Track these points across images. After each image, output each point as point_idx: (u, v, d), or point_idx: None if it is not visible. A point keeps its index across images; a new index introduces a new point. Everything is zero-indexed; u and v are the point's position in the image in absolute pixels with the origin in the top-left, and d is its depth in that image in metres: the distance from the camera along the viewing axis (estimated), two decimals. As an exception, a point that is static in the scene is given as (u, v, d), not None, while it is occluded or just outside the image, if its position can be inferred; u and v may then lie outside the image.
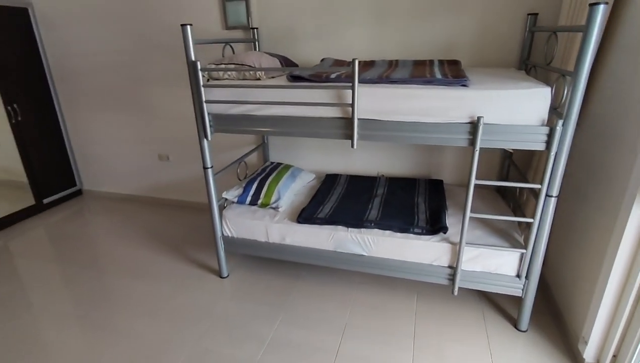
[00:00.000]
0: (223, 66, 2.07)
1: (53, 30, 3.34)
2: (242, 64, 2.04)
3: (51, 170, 3.63)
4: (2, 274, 2.61)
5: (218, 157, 3.14)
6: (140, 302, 2.28)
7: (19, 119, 3.30)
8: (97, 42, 3.24)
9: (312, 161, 2.98)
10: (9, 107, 3.21)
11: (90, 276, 2.56)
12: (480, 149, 1.66)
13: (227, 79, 2.08)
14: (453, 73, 1.79)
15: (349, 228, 2.10)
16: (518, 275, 1.87)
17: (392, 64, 2.22)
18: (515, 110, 1.57)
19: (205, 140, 2.13)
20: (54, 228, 3.26)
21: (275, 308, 2.17)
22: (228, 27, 2.79)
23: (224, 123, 2.08)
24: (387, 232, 2.05)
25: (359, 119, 1.79)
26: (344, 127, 1.84)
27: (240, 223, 2.32)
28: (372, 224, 2.08)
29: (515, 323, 2.00)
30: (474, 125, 1.64)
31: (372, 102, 1.75)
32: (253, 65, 2.03)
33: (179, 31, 2.93)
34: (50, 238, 3.11)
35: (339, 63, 2.32)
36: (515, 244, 1.89)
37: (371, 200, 2.37)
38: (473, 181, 1.73)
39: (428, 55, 2.44)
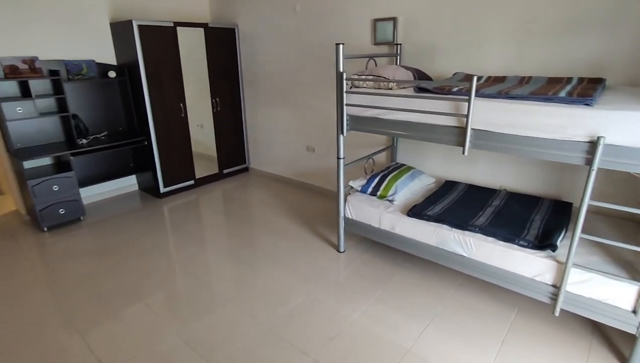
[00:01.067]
0: (363, 77, 2.52)
1: (248, 45, 4.44)
2: (379, 76, 2.44)
3: (231, 149, 4.79)
4: (191, 217, 3.71)
5: (352, 153, 3.63)
6: (275, 254, 2.95)
7: (218, 109, 4.50)
8: (273, 54, 4.17)
9: (435, 167, 3.18)
10: (213, 100, 4.43)
11: (244, 228, 3.40)
12: (616, 171, 1.64)
13: (365, 87, 2.52)
14: (581, 92, 1.79)
15: (453, 228, 2.27)
16: (634, 311, 1.74)
17: (524, 80, 2.27)
18: (642, 133, 1.52)
19: (341, 135, 2.62)
20: (226, 192, 4.36)
21: (375, 286, 2.52)
22: (376, 43, 3.24)
23: (357, 123, 2.53)
24: (490, 238, 2.14)
25: (472, 129, 1.98)
26: (458, 134, 2.05)
27: (359, 208, 2.74)
28: (477, 229, 2.21)
29: (625, 364, 1.84)
30: (593, 145, 1.64)
31: (487, 114, 1.92)
32: (387, 77, 2.41)
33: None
34: (223, 198, 4.19)
35: (468, 78, 2.47)
36: (636, 277, 1.76)
37: (483, 208, 2.46)
38: (587, 201, 1.71)
39: (570, 73, 2.36)
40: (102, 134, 3.95)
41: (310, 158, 4.25)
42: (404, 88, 2.48)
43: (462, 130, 2.03)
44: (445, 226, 2.31)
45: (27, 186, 3.23)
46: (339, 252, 2.96)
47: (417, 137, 2.25)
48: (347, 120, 2.56)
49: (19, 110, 3.37)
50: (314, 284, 2.55)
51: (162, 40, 3.83)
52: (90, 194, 4.10)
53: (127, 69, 3.89)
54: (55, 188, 3.36)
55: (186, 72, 4.11)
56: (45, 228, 3.45)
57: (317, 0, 3.59)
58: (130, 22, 3.60)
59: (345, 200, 2.82)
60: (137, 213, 3.82)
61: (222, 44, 4.35)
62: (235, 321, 2.21)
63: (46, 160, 3.67)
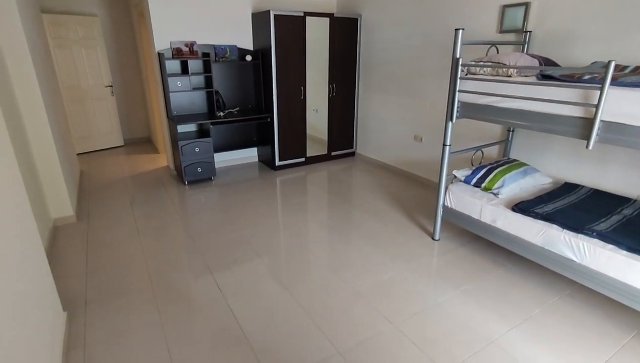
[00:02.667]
0: (481, 63, 2.45)
1: (368, 33, 4.60)
2: (499, 62, 2.35)
3: (341, 134, 5.07)
4: (299, 190, 4.09)
5: (460, 145, 3.53)
6: (370, 233, 3.10)
7: (334, 94, 4.81)
8: (391, 42, 4.24)
9: (554, 167, 2.90)
10: (330, 85, 4.74)
11: (344, 206, 3.63)
12: None
13: (481, 73, 2.45)
14: None
15: (564, 229, 2.10)
16: None
17: (683, 71, 1.93)
18: None
19: (450, 122, 2.61)
20: (332, 173, 4.66)
21: (467, 278, 2.47)
22: (501, 31, 3.07)
23: (469, 110, 2.49)
24: (610, 246, 1.92)
25: (602, 121, 1.79)
26: (584, 126, 1.88)
27: (460, 198, 2.70)
28: (594, 234, 2.00)
29: None
30: None
31: (624, 105, 1.72)
32: (508, 64, 2.30)
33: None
34: (328, 178, 4.49)
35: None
36: None
37: (609, 215, 2.19)
38: None
39: None
40: (235, 109, 4.61)
41: (417, 148, 4.25)
42: (525, 76, 2.34)
43: (588, 122, 1.85)
44: (555, 226, 2.14)
45: (177, 146, 4.02)
46: (434, 239, 2.96)
47: (534, 127, 2.12)
48: (458, 107, 2.53)
49: (179, 84, 4.18)
50: (403, 265, 2.64)
51: (292, 28, 4.25)
52: (220, 160, 4.85)
53: (261, 53, 4.44)
54: (197, 150, 4.10)
55: (309, 58, 4.50)
56: (187, 182, 4.24)
57: (443, -13, 3.54)
58: (268, 12, 4.10)
59: (446, 189, 2.80)
60: (255, 181, 4.39)
61: (344, 33, 4.61)
62: (329, 282, 2.45)
63: (192, 127, 4.47)
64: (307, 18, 4.32)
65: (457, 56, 2.43)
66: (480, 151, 3.10)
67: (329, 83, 4.73)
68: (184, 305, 2.22)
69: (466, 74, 2.56)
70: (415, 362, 1.80)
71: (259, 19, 4.35)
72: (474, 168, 2.84)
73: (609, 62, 1.71)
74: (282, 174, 4.63)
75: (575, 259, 2.05)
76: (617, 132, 1.77)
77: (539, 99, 2.04)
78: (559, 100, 1.95)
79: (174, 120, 4.11)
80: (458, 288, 2.37)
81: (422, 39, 3.86)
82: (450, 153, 2.71)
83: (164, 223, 3.30)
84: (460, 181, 2.85)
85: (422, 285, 2.40)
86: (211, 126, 4.19)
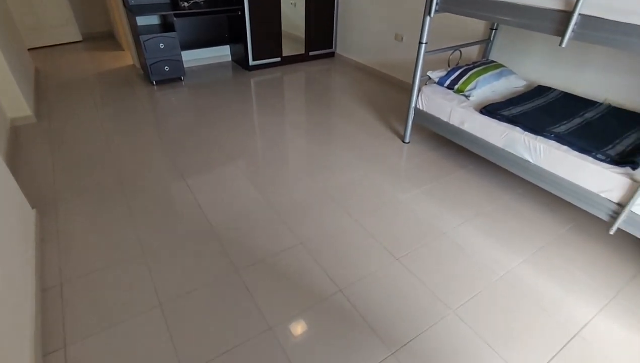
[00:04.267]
0: (468, -55, 2.19)
1: None
2: (486, -56, 2.10)
3: (320, 32, 4.71)
4: (275, 92, 3.95)
5: (440, 44, 3.36)
6: (344, 135, 3.10)
7: (311, -16, 4.33)
8: None
9: (532, 70, 2.83)
10: (308, -27, 4.24)
11: (320, 109, 3.56)
12: None
13: (467, -42, 2.20)
14: None
15: (525, 132, 2.14)
16: None
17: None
18: None
19: (428, 17, 2.43)
20: (309, 74, 4.46)
21: (430, 178, 2.58)
22: None
23: (449, 3, 2.31)
24: (564, 147, 1.99)
25: (580, 14, 1.70)
26: (560, 21, 1.78)
27: (432, 99, 2.66)
28: (552, 135, 2.05)
29: (673, 294, 1.76)
30: None
31: (604, -4, 1.61)
32: (496, -54, 2.06)
33: None
34: (305, 80, 4.31)
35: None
36: None
37: (571, 118, 2.23)
38: (694, 113, 1.46)
39: None
40: (201, 0, 4.15)
41: (398, 47, 4.03)
42: (513, -38, 2.12)
43: (566, 15, 1.75)
44: (517, 128, 2.18)
45: (140, 42, 3.69)
46: (404, 142, 3.00)
47: (514, 22, 2.00)
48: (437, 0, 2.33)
49: (133, -34, 3.66)
50: (372, 166, 2.70)
51: None
52: (190, 59, 4.53)
53: None
54: (162, 45, 3.78)
55: (283, -63, 3.93)
56: (154, 82, 4.01)
57: None
58: None
59: (419, 90, 2.74)
60: (228, 81, 4.18)
61: None
62: (300, 182, 2.52)
63: (154, 19, 4.06)
64: None
65: None
66: (458, 51, 2.96)
67: (307, -30, 4.22)
68: (154, 202, 2.29)
69: (451, -41, 2.30)
70: (370, 249, 1.97)
71: None
72: (449, 69, 2.75)
73: (600, -57, 1.54)
74: (256, 74, 4.40)
75: (530, 160, 2.13)
76: (593, 28, 1.69)
77: (521, -11, 1.88)
78: (541, -9, 1.81)
79: (132, 10, 3.70)
80: (420, 188, 2.48)
81: None
82: (426, 52, 2.59)
83: (132, 124, 3.20)
84: (435, 83, 2.78)
85: (387, 185, 2.50)
86: (175, 19, 3.80)
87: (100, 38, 5.66)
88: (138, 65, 4.36)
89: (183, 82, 4.11)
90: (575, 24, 1.73)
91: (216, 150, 2.84)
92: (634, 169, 1.79)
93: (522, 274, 1.86)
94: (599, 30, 1.68)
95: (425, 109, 2.73)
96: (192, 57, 4.56)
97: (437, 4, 2.35)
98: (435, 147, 2.95)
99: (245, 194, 2.37)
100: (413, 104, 2.79)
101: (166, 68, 3.92)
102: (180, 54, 3.95)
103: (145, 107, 3.52)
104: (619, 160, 1.83)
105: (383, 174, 2.61)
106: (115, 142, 2.91)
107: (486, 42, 3.02)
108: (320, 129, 3.20)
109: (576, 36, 1.76)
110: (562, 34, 1.78)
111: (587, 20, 1.70)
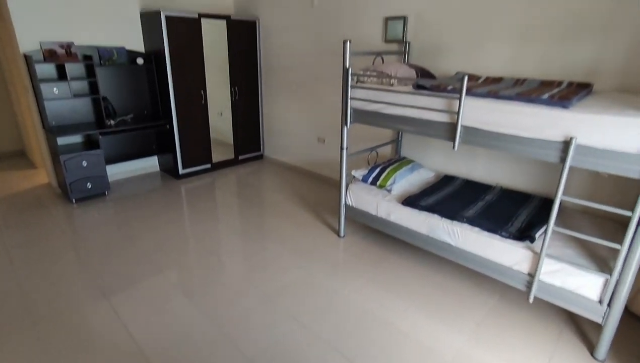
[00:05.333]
0: (368, 73, 2.69)
1: (267, 37, 4.65)
2: (382, 72, 2.61)
3: (247, 137, 5.04)
4: (206, 197, 3.98)
5: (359, 146, 3.81)
6: (280, 234, 3.18)
7: (237, 98, 4.75)
8: (291, 46, 4.37)
9: (436, 162, 3.33)
10: (232, 88, 4.67)
11: (254, 210, 3.65)
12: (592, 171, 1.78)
13: (369, 82, 2.69)
14: (562, 95, 1.92)
15: (442, 218, 2.44)
16: (600, 301, 1.88)
17: (518, 82, 2.40)
18: (611, 136, 1.65)
19: (345, 127, 2.81)
20: (240, 177, 4.62)
21: (368, 267, 2.72)
22: (386, 40, 3.39)
23: (361, 116, 2.71)
24: (476, 228, 2.30)
25: (462, 126, 2.13)
26: (450, 130, 2.21)
27: (359, 196, 2.93)
28: (464, 219, 2.37)
29: (592, 350, 1.98)
30: (566, 144, 1.78)
31: (477, 112, 2.07)
32: (390, 74, 2.57)
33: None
34: (237, 182, 4.45)
35: (469, 77, 2.62)
36: (604, 269, 1.89)
37: (475, 202, 2.61)
38: (560, 196, 1.85)
39: (564, 77, 2.46)
40: (129, 116, 4.25)
41: (321, 148, 4.45)
42: (405, 85, 2.64)
43: (453, 127, 2.19)
44: (435, 215, 2.48)
45: (59, 161, 3.56)
46: (339, 236, 3.16)
47: (414, 131, 2.42)
48: (351, 113, 2.74)
49: (55, 91, 3.70)
50: (311, 263, 2.77)
51: (187, 30, 4.08)
52: (115, 172, 4.43)
53: (153, 56, 4.17)
54: (85, 164, 3.69)
55: (208, 61, 4.36)
56: (74, 200, 3.79)
57: (334, -3, 3.76)
58: (158, 13, 3.86)
59: (347, 188, 3.01)
60: (157, 192, 4.12)
61: (243, 36, 4.58)
62: (239, 288, 2.46)
63: (77, 138, 4.00)
64: (203, 20, 4.19)
65: (347, 66, 2.62)
66: (375, 151, 3.39)
67: (231, 86, 4.66)
68: (73, 338, 2.02)
69: (356, 82, 2.78)
70: (325, 356, 1.93)
71: (149, 20, 4.07)
72: (370, 167, 3.11)
73: (463, 76, 2.03)
74: (187, 182, 4.43)
75: (451, 243, 2.40)
76: (473, 135, 2.13)
77: (416, 106, 2.33)
78: (431, 108, 2.26)
79: (52, 131, 3.63)
80: (360, 279, 2.58)
81: (319, 45, 4.05)
82: (347, 155, 2.92)
83: (47, 249, 2.92)
84: (359, 180, 3.09)
85: (329, 281, 2.56)
86: (100, 136, 3.80)
87: (9, 156, 5.31)
88: (55, 184, 4.13)
89: (107, 197, 3.96)
90: (461, 132, 2.16)
91: (145, 265, 2.68)
92: (531, 242, 2.12)
93: (470, 353, 1.96)
94: (478, 137, 2.11)
95: (354, 205, 2.98)
96: (118, 170, 4.47)
97: (351, 116, 2.75)
98: (368, 238, 3.15)
99: (182, 311, 2.23)
100: (343, 201, 3.03)
101: (88, 185, 3.77)
102: (105, 169, 3.87)
103: (63, 228, 3.27)
104: (519, 236, 2.17)
105: (323, 270, 2.68)
106: (24, 274, 2.60)
107: (396, 142, 3.51)
108: (255, 231, 3.25)
109: (463, 141, 2.18)
110: (453, 140, 2.19)
111: (469, 130, 2.13)
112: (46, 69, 3.67)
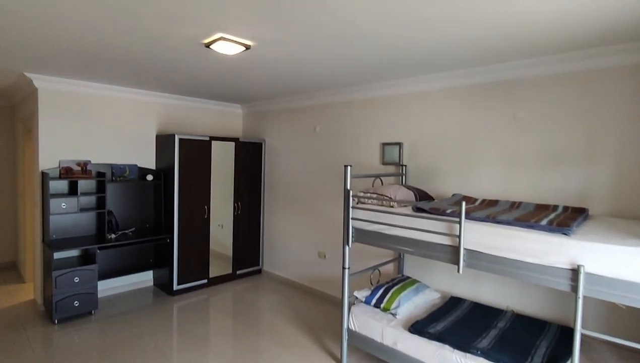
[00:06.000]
0: (368, 194, 2.80)
1: (272, 156, 4.99)
2: (382, 194, 2.71)
3: (246, 251, 4.98)
4: (199, 318, 3.73)
5: (361, 263, 3.74)
6: (271, 362, 2.87)
7: (239, 212, 4.85)
8: (293, 165, 4.65)
9: (441, 281, 3.22)
10: (235, 203, 4.80)
11: (249, 333, 3.37)
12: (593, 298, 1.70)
13: (369, 204, 2.77)
14: (561, 221, 1.96)
15: (455, 350, 2.24)
16: None
17: (514, 205, 2.47)
18: (620, 265, 1.62)
19: (347, 246, 2.79)
20: (237, 294, 4.40)
21: (377, 409, 2.38)
22: (384, 163, 3.63)
23: (362, 236, 2.72)
24: (493, 363, 2.09)
25: (465, 249, 2.12)
26: (453, 253, 2.19)
27: (363, 320, 2.75)
28: (479, 352, 2.17)
29: None
30: (575, 272, 1.74)
31: (478, 236, 2.08)
32: (389, 196, 2.67)
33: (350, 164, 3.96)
34: (233, 300, 4.22)
35: (466, 199, 2.72)
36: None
37: (488, 329, 2.43)
38: (579, 330, 1.73)
39: (557, 201, 2.55)
40: (130, 230, 4.27)
41: (322, 264, 4.35)
42: (405, 206, 2.72)
43: (456, 249, 2.17)
44: (447, 346, 2.28)
45: (51, 276, 3.44)
46: (342, 367, 2.86)
47: (416, 253, 2.39)
48: (352, 232, 2.76)
49: (63, 205, 3.78)
50: (311, 402, 2.44)
51: (197, 150, 4.39)
52: (106, 287, 4.24)
53: (163, 173, 4.40)
54: (76, 280, 3.55)
55: (214, 178, 4.59)
56: (56, 321, 3.53)
57: (335, 124, 4.15)
58: (173, 136, 4.21)
59: (349, 311, 2.84)
60: (147, 311, 3.88)
61: (249, 155, 4.91)
62: None
63: (74, 252, 3.94)
64: (213, 142, 4.54)
65: (348, 188, 2.74)
66: (377, 270, 3.31)
67: (235, 201, 4.80)
68: None
69: (357, 203, 2.87)
70: None
71: (163, 141, 4.42)
72: (373, 287, 2.99)
73: (461, 200, 2.10)
74: (181, 299, 4.20)
75: (468, 379, 2.15)
76: (477, 259, 2.10)
77: (416, 228, 2.35)
78: (431, 230, 2.27)
79: (50, 245, 3.60)
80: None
81: (321, 165, 4.31)
82: (350, 275, 2.84)
83: (15, 382, 2.60)
84: (362, 302, 2.93)
85: None
86: (98, 251, 3.75)
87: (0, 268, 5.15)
88: (40, 301, 3.91)
89: (93, 316, 3.70)
90: (464, 255, 2.13)
91: (125, 408, 2.35)
92: (558, 382, 1.90)
93: None
94: (483, 261, 2.08)
95: (357, 330, 2.77)
96: (109, 286, 4.28)
97: (352, 236, 2.76)
98: (374, 369, 2.85)
99: None
100: (345, 326, 2.82)
101: (76, 303, 3.57)
102: (97, 286, 3.71)
103: (37, 355, 2.96)
104: (543, 374, 1.95)
105: (326, 413, 2.34)
106: (-17, 414, 2.26)
107: (398, 260, 3.45)
108: (250, 358, 2.94)
109: (468, 265, 2.14)
110: (457, 264, 2.15)
111: (472, 254, 2.11)
112: (59, 185, 3.82)
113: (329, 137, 4.23)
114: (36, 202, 3.88)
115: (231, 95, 4.60)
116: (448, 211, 2.29)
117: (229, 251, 4.84)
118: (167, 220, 4.34)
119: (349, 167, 2.74)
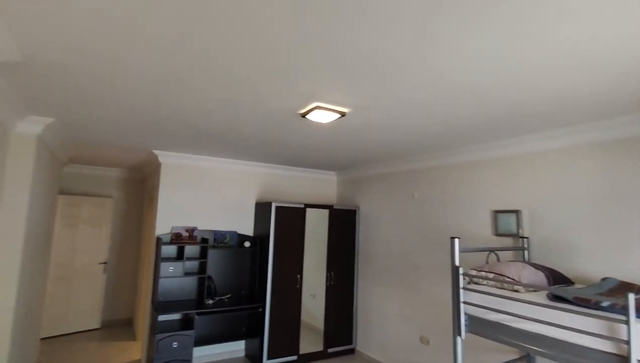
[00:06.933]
0: (483, 273, 2.32)
1: (366, 224, 4.75)
2: (501, 274, 2.22)
3: (339, 326, 4.61)
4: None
5: (476, 358, 3.07)
6: None
7: (331, 283, 4.60)
8: (389, 234, 4.31)
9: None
10: (328, 273, 4.59)
11: None
12: None
13: (485, 285, 2.29)
14: None
15: None
16: None
17: None
18: None
19: (459, 337, 2.29)
20: (328, 377, 3.99)
21: None
22: (497, 234, 3.09)
23: (478, 326, 2.21)
24: None
25: (638, 361, 1.50)
26: (619, 366, 1.57)
27: None
28: None
29: None
30: None
31: (661, 345, 1.46)
32: (512, 278, 2.16)
33: (451, 232, 3.49)
34: (323, 384, 3.81)
35: (624, 286, 2.05)
36: None
37: None
38: None
39: None
40: (227, 296, 4.33)
41: (425, 352, 3.73)
42: (533, 291, 2.16)
43: (623, 360, 1.56)
44: None
45: (154, 339, 3.57)
46: None
47: (557, 358, 1.80)
48: (465, 320, 2.27)
49: (171, 269, 4.04)
50: None
51: (292, 217, 4.41)
52: (200, 355, 4.25)
53: (259, 240, 4.48)
54: (175, 345, 3.62)
55: (307, 246, 4.50)
56: (154, 385, 3.58)
57: (435, 188, 3.80)
58: (270, 204, 4.32)
59: (464, 424, 2.24)
60: (236, 385, 3.71)
61: (343, 223, 4.76)
62: None
63: (176, 315, 4.09)
64: (307, 209, 4.54)
65: (457, 264, 2.32)
66: (498, 369, 2.65)
67: (327, 271, 4.59)
68: None
69: (469, 282, 2.40)
70: None
71: (261, 208, 4.57)
72: (494, 395, 2.35)
73: (623, 290, 1.54)
74: (269, 376, 3.96)
75: None
76: (664, 380, 1.46)
77: (556, 324, 1.79)
78: (579, 329, 1.70)
79: (157, 308, 3.79)
80: None
81: (420, 235, 3.91)
82: (463, 375, 2.29)
83: None
84: (481, 414, 2.31)
85: None
86: (197, 316, 3.83)
87: (119, 325, 5.65)
88: (144, 361, 4.06)
89: (186, 385, 3.66)
90: (640, 372, 1.51)
91: None
92: None
93: None
94: (675, 384, 1.43)
95: None
96: (203, 353, 4.29)
97: (465, 325, 2.26)
98: None
99: None
100: None
101: (172, 369, 3.59)
102: (192, 352, 3.72)
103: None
104: None
105: None
106: None
107: (527, 358, 2.73)
108: None
109: (648, 387, 1.49)
110: (629, 383, 1.52)
111: (653, 370, 1.48)
112: (169, 249, 4.14)
113: (428, 203, 3.87)
114: (151, 265, 4.24)
115: (325, 163, 4.65)
116: (604, 304, 1.71)
117: (319, 323, 4.53)
118: (260, 287, 4.31)
119: (456, 240, 2.35)
